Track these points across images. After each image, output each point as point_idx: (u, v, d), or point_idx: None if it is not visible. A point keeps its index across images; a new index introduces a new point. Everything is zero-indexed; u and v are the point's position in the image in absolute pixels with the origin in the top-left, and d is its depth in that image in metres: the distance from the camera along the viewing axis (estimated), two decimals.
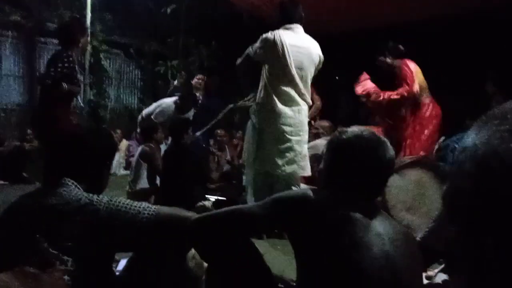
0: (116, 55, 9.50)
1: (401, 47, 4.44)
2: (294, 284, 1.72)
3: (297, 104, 3.29)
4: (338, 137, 1.44)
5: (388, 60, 4.40)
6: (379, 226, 1.27)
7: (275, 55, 3.23)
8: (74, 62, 3.91)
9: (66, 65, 3.81)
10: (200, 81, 5.90)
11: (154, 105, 5.54)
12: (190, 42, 9.29)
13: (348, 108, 8.20)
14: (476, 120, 0.57)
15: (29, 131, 6.65)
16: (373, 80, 4.61)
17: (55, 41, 8.76)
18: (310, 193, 1.29)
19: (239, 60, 3.46)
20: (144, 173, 4.84)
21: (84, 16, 6.93)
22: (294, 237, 1.33)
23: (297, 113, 3.29)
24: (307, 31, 3.43)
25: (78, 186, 1.43)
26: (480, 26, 5.53)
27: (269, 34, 3.25)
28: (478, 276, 0.50)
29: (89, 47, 6.88)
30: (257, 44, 3.30)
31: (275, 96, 3.26)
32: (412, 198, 3.50)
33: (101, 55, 8.63)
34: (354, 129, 1.44)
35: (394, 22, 5.98)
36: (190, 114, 5.40)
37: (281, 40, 3.21)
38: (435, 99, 4.64)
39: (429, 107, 4.43)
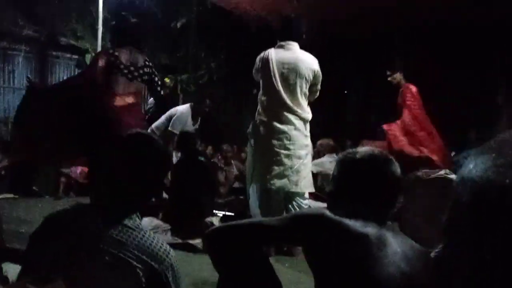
0: None
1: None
2: None
3: (287, 119, 3.33)
4: (347, 157, 1.46)
5: (399, 77, 4.41)
6: (395, 245, 1.28)
7: (264, 72, 3.40)
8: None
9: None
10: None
11: (163, 117, 5.54)
12: (199, 56, 9.39)
13: (354, 119, 8.18)
14: (477, 139, 0.58)
15: None
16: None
17: (67, 54, 8.98)
18: (328, 211, 1.32)
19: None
20: None
21: (97, 30, 7.03)
22: (310, 254, 1.35)
23: (286, 127, 3.32)
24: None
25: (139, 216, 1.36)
26: (493, 35, 5.50)
27: (261, 54, 3.45)
28: None
29: None
30: (255, 66, 3.52)
31: (264, 112, 3.38)
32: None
33: None
34: (364, 148, 1.47)
35: (405, 29, 5.98)
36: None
37: (268, 58, 3.36)
38: (445, 108, 4.65)
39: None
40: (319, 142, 5.19)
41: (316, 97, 3.54)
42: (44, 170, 6.31)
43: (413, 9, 5.32)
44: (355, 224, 1.28)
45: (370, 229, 1.28)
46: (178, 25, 8.91)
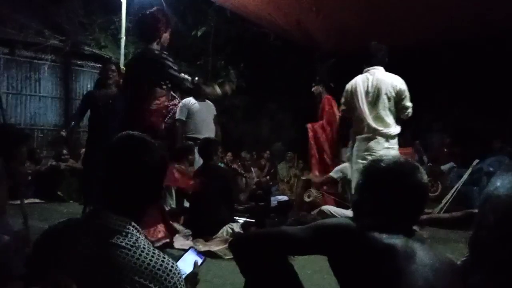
0: None
1: (332, 84, 5.56)
2: None
3: (369, 135, 3.68)
4: (373, 166, 1.45)
5: (319, 89, 5.57)
6: (423, 256, 1.25)
7: (352, 96, 3.78)
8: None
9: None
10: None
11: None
12: (219, 64, 9.48)
13: None
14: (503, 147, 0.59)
15: (64, 151, 6.88)
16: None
17: (91, 63, 9.18)
18: (353, 222, 1.30)
19: None
20: (173, 194, 4.92)
21: (119, 39, 7.19)
22: (336, 265, 1.33)
23: (372, 143, 3.66)
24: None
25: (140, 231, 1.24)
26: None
27: (345, 87, 3.88)
28: None
29: (123, 70, 7.11)
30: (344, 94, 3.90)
31: (354, 130, 3.83)
32: None
33: None
34: (389, 156, 1.45)
35: (424, 42, 5.94)
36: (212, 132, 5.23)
37: (355, 82, 3.77)
38: (464, 119, 4.72)
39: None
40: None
41: (407, 113, 3.71)
42: (69, 176, 6.44)
43: (440, 25, 5.32)
44: (381, 235, 1.25)
45: (397, 240, 1.25)
46: (198, 33, 9.02)
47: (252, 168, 6.36)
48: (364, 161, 3.42)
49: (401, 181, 1.36)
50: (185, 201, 4.59)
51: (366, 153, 3.62)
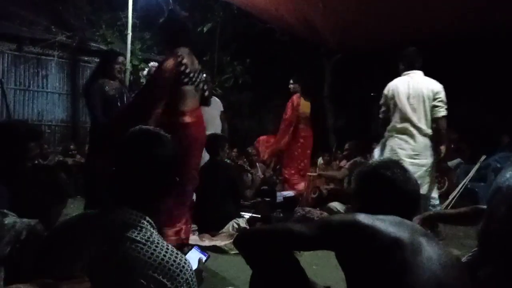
0: None
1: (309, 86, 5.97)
2: None
3: (412, 133, 3.92)
4: (362, 169, 1.54)
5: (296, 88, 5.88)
6: (430, 251, 1.26)
7: (393, 97, 3.99)
8: None
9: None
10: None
11: None
12: (225, 60, 9.48)
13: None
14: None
15: (72, 146, 6.93)
16: None
17: (97, 60, 9.20)
18: (360, 217, 1.31)
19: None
20: None
21: (126, 36, 7.20)
22: (343, 260, 1.35)
23: (412, 140, 3.92)
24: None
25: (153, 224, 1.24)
26: None
27: (385, 90, 4.07)
28: None
29: (129, 66, 7.13)
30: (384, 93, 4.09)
31: (394, 129, 4.01)
32: None
33: (140, 74, 8.93)
34: (378, 160, 1.52)
35: (432, 37, 5.90)
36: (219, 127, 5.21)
37: (391, 88, 4.00)
38: (464, 114, 4.76)
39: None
40: (347, 145, 5.15)
41: (441, 112, 3.94)
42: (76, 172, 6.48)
43: (447, 21, 5.28)
44: (388, 230, 1.27)
45: (404, 234, 1.26)
46: (205, 29, 9.02)
47: (257, 164, 6.36)
48: (404, 158, 3.78)
49: (392, 184, 1.43)
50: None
51: (403, 150, 3.91)
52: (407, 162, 3.77)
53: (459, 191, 5.13)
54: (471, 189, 5.30)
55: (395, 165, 1.50)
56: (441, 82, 4.37)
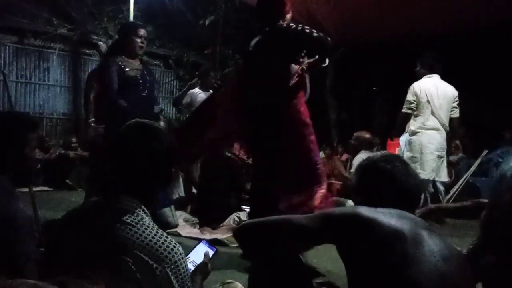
0: (156, 66, 9.79)
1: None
2: None
3: (436, 128, 4.40)
4: (363, 162, 1.54)
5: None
6: (431, 243, 1.26)
7: (419, 98, 4.39)
8: None
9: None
10: None
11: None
12: (227, 53, 9.45)
13: (382, 117, 8.08)
14: None
15: (74, 139, 6.93)
16: None
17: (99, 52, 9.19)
18: (361, 209, 1.30)
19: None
20: (181, 182, 4.94)
21: None
22: (344, 253, 1.34)
23: (438, 135, 4.39)
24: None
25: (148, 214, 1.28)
26: None
27: (414, 84, 4.44)
28: None
29: None
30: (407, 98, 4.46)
31: (423, 125, 4.41)
32: None
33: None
34: (378, 154, 1.55)
35: (435, 32, 5.87)
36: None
37: (424, 88, 4.38)
38: (472, 110, 4.94)
39: None
40: (354, 136, 5.01)
41: (458, 113, 4.48)
42: (78, 164, 6.50)
43: (454, 14, 5.25)
44: (389, 222, 1.26)
45: (405, 226, 1.26)
46: (207, 22, 8.98)
47: None
48: (434, 151, 4.31)
49: (392, 179, 1.43)
50: (193, 188, 4.62)
51: (433, 145, 4.34)
52: (435, 155, 4.39)
53: (460, 185, 5.12)
54: (472, 183, 5.29)
55: (396, 159, 1.49)
56: (444, 78, 4.45)
